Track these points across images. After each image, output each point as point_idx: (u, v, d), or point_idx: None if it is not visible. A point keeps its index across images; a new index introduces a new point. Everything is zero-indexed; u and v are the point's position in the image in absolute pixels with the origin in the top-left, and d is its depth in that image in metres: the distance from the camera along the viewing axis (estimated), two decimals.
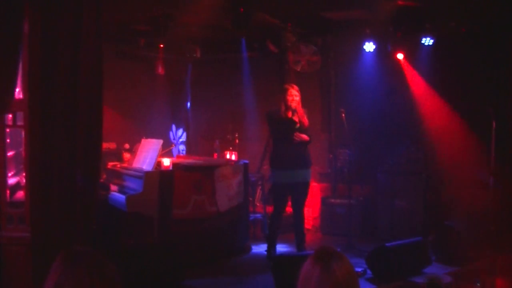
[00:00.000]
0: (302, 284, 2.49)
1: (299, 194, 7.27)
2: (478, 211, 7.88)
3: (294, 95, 7.06)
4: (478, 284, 4.84)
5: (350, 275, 2.49)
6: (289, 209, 7.69)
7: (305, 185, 7.29)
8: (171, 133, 11.17)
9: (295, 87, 7.13)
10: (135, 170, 6.95)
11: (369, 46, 9.37)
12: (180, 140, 11.27)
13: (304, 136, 7.04)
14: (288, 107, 7.05)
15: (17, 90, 5.28)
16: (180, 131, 11.26)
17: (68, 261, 2.35)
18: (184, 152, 11.15)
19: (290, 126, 7.04)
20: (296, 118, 7.05)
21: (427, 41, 8.84)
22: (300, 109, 7.14)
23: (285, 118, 7.05)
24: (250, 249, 8.05)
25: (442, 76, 8.94)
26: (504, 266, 6.80)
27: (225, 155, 8.99)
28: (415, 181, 8.45)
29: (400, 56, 9.40)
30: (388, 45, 9.36)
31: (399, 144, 8.90)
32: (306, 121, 7.14)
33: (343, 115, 8.00)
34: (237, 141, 10.36)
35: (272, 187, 7.49)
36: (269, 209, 8.88)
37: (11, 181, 5.80)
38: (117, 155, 8.21)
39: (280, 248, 7.83)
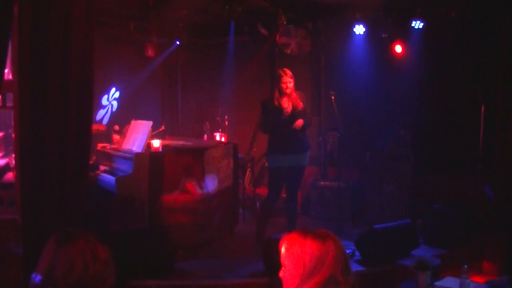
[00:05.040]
0: (313, 265, 2.52)
1: (295, 178, 7.31)
2: (466, 195, 7.95)
3: (287, 81, 7.01)
4: (466, 267, 4.88)
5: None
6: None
7: (302, 169, 7.34)
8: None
9: (289, 73, 7.01)
10: (125, 151, 6.94)
11: (359, 29, 9.37)
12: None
13: (299, 122, 7.02)
14: (282, 94, 7.03)
15: (6, 71, 5.26)
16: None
17: (61, 242, 2.36)
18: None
19: (279, 116, 7.01)
20: (290, 105, 7.03)
21: (417, 24, 8.85)
22: (294, 94, 7.11)
23: (277, 106, 7.01)
24: (240, 231, 8.08)
25: (432, 60, 8.97)
26: (491, 250, 6.88)
27: (214, 137, 8.98)
28: (403, 165, 8.49)
29: (398, 48, 9.39)
30: (379, 30, 9.35)
31: (388, 127, 8.93)
32: (300, 104, 7.11)
33: (333, 97, 8.00)
34: (226, 123, 10.35)
35: (269, 171, 7.48)
36: (259, 191, 8.90)
37: (1, 162, 5.80)
38: (107, 137, 8.19)
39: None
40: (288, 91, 7.01)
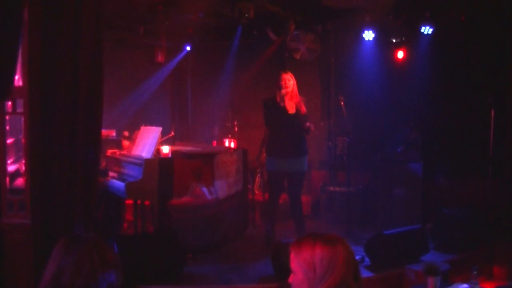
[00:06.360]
0: (323, 270, 2.50)
1: (294, 183, 7.27)
2: (476, 199, 7.91)
3: (287, 79, 7.03)
4: (476, 272, 4.86)
5: None
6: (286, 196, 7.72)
7: (301, 174, 7.27)
8: None
9: (289, 73, 7.08)
10: (135, 157, 6.95)
11: (369, 35, 9.38)
12: None
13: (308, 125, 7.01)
14: (280, 93, 7.05)
15: (16, 77, 5.29)
16: None
17: (69, 245, 2.37)
18: None
19: (282, 113, 7.02)
20: (293, 106, 7.04)
21: (427, 30, 8.84)
22: (297, 96, 7.11)
23: (279, 103, 7.04)
24: (249, 236, 8.08)
25: (441, 64, 8.95)
26: (501, 254, 6.84)
27: (224, 142, 8.99)
28: (413, 169, 8.45)
29: (400, 54, 9.43)
30: (389, 34, 9.36)
31: (398, 131, 8.91)
32: (303, 109, 7.12)
33: (342, 103, 8.01)
34: (236, 128, 10.35)
35: (267, 174, 7.50)
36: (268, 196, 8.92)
37: (11, 168, 5.82)
38: (117, 143, 8.20)
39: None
40: (288, 90, 7.01)
